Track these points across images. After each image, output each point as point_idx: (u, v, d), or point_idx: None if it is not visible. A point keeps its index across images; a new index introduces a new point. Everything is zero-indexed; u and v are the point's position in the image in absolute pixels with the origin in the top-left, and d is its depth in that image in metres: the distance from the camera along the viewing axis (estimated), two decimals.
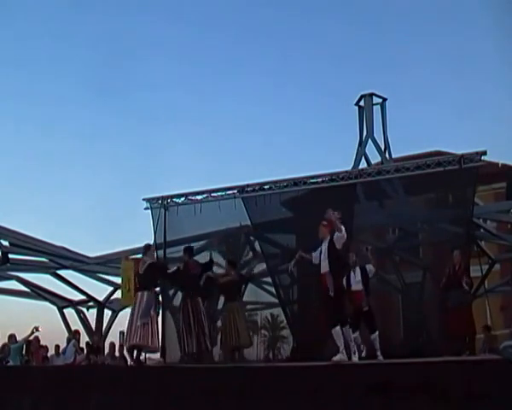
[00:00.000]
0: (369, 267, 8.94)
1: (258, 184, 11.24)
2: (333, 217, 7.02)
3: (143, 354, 9.04)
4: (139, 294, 8.58)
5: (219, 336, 9.78)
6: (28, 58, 35.84)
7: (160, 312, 11.53)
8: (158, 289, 9.45)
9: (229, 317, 9.28)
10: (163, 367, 9.08)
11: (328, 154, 33.57)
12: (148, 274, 8.64)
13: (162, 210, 11.68)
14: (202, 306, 9.00)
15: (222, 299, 9.97)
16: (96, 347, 12.01)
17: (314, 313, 9.75)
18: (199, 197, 11.59)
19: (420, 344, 10.08)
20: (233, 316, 9.27)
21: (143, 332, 8.27)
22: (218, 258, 11.02)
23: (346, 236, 7.18)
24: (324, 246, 7.23)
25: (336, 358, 6.84)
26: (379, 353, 8.41)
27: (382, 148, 14.54)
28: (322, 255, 7.21)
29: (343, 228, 7.10)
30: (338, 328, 6.94)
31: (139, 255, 12.63)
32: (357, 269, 8.85)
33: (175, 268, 9.24)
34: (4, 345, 10.74)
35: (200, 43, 39.00)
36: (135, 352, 8.54)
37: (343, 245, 7.26)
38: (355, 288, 8.74)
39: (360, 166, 13.88)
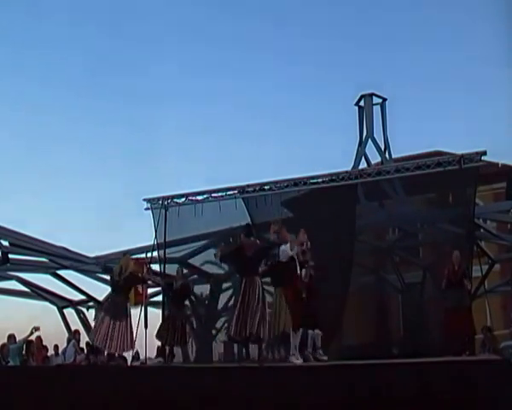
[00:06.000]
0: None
1: (258, 184, 11.24)
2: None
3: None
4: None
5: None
6: (26, 59, 35.82)
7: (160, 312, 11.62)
8: None
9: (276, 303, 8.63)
10: (163, 367, 9.09)
11: (328, 154, 33.49)
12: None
13: (163, 210, 11.67)
14: (260, 290, 8.18)
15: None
16: (96, 347, 11.99)
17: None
18: (199, 198, 11.59)
19: (420, 344, 10.09)
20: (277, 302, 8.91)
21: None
22: None
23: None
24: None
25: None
26: (322, 352, 8.24)
27: (382, 148, 14.55)
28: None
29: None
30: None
31: (139, 255, 12.70)
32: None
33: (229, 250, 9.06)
34: (4, 345, 10.72)
35: (200, 44, 38.98)
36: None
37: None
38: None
39: (360, 167, 13.90)
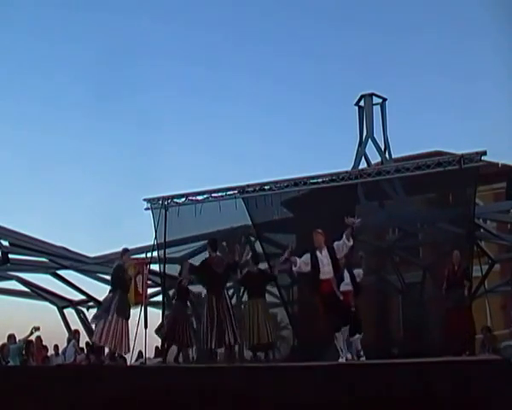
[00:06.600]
0: (358, 272, 8.80)
1: (258, 184, 11.23)
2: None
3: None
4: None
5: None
6: (26, 58, 35.80)
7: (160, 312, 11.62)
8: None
9: (250, 314, 9.05)
10: (163, 367, 9.09)
11: (328, 154, 33.55)
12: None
13: (163, 210, 11.66)
14: (229, 301, 8.91)
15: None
16: (96, 347, 12.00)
17: (314, 313, 9.76)
18: (199, 198, 11.58)
19: (420, 344, 10.10)
20: (255, 313, 9.03)
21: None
22: None
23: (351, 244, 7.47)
24: (324, 253, 7.44)
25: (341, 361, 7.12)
26: (362, 353, 8.15)
27: (382, 148, 14.54)
28: (325, 262, 7.44)
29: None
30: (340, 332, 7.27)
31: (139, 255, 12.70)
32: (345, 272, 8.55)
33: (199, 263, 9.28)
34: (4, 345, 10.73)
35: (200, 44, 39.02)
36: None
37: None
38: (344, 288, 8.27)
39: (360, 167, 13.89)
